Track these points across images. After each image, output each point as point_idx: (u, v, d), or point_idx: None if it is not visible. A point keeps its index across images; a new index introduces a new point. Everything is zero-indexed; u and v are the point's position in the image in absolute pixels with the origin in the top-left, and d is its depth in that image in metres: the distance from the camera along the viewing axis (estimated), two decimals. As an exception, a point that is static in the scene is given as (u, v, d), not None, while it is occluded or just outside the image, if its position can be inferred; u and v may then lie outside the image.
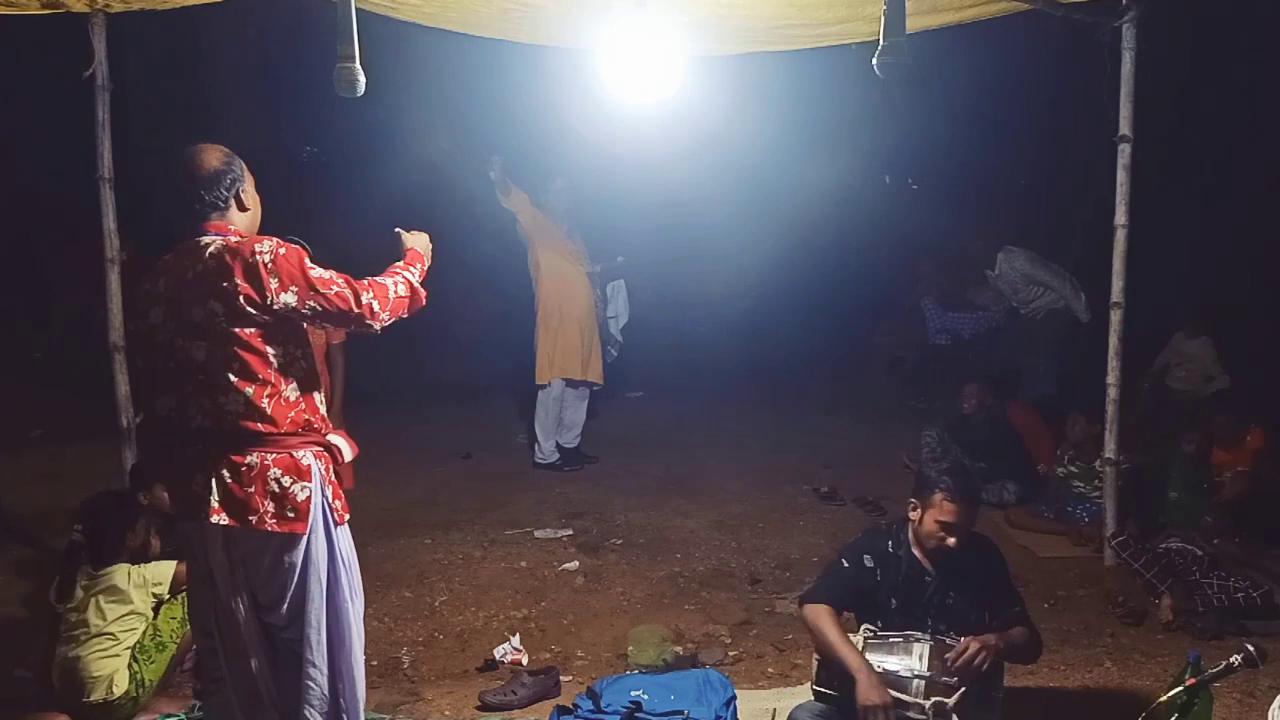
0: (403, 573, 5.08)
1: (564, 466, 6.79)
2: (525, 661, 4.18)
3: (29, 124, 8.80)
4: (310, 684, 2.84)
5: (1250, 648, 2.56)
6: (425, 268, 3.05)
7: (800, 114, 9.21)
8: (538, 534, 5.63)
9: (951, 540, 3.23)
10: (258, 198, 2.93)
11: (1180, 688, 2.58)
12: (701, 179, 9.03)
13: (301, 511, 2.73)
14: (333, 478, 2.85)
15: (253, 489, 2.70)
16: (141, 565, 3.75)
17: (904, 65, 3.32)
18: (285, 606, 2.80)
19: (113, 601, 3.65)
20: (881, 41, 3.37)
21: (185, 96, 9.57)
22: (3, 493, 5.74)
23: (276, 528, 2.72)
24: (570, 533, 5.64)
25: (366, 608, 4.45)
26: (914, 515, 3.31)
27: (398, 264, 3.00)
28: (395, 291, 2.87)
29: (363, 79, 3.51)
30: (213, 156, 2.83)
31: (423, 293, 2.97)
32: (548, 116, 7.50)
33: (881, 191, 11.76)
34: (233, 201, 2.83)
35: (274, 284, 2.66)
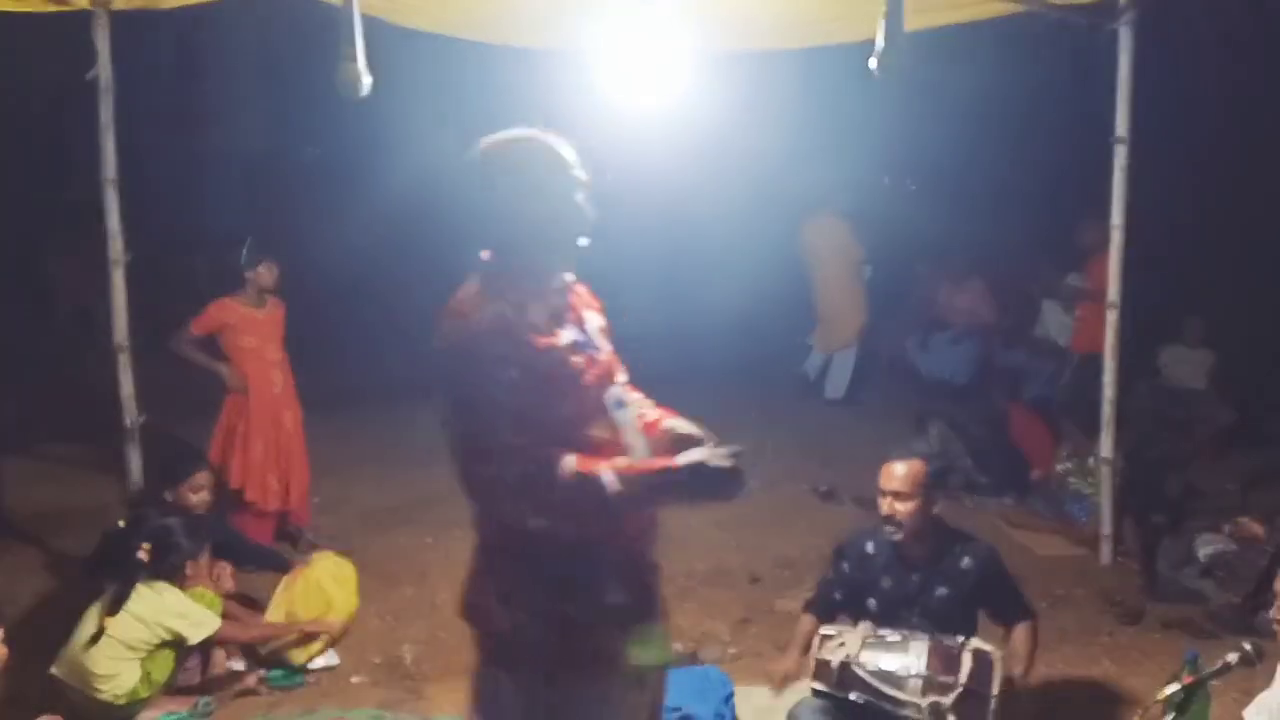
0: (405, 571, 5.09)
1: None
2: (526, 660, 4.18)
3: (30, 124, 8.81)
4: None
5: (1247, 646, 2.57)
6: None
7: (800, 116, 9.21)
8: (538, 533, 5.61)
9: (895, 511, 3.23)
10: None
11: (1177, 686, 2.59)
12: (703, 180, 9.03)
13: None
14: None
15: None
16: (191, 594, 3.80)
17: (902, 66, 3.33)
18: None
19: (143, 623, 3.65)
20: (880, 43, 3.37)
21: (189, 98, 9.56)
22: (3, 493, 5.74)
23: None
24: (571, 531, 5.63)
25: (370, 606, 4.51)
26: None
27: None
28: None
29: (366, 79, 3.51)
30: None
31: None
32: (553, 120, 7.50)
33: (882, 193, 11.75)
34: None
35: None
